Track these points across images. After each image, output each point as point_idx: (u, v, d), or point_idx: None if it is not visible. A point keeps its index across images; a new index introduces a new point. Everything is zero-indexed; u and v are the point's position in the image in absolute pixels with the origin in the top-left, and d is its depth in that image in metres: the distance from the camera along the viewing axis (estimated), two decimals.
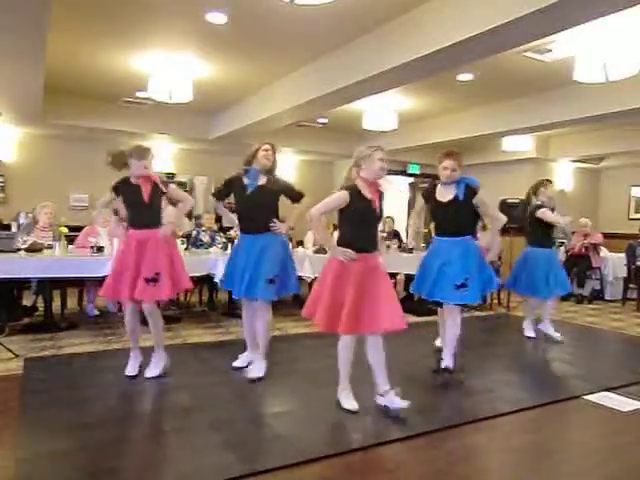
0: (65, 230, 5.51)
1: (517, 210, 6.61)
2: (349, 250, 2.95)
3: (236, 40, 4.97)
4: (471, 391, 3.63)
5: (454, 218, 3.74)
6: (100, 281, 5.13)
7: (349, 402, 3.11)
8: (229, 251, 5.80)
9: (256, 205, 3.64)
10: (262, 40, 4.97)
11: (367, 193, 3.00)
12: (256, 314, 3.69)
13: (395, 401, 3.03)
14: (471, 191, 3.67)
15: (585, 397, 3.52)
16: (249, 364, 3.81)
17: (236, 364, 3.90)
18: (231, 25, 4.56)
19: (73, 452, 2.51)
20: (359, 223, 3.02)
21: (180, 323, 5.41)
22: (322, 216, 3.05)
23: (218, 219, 6.68)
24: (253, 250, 3.60)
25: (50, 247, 5.00)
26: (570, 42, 4.59)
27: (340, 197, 2.98)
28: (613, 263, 8.02)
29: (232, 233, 6.40)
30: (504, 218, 3.86)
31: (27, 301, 5.51)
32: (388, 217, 8.16)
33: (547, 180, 5.29)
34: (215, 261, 5.34)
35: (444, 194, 3.77)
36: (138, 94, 6.94)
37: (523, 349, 4.99)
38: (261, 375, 3.63)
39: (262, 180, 3.67)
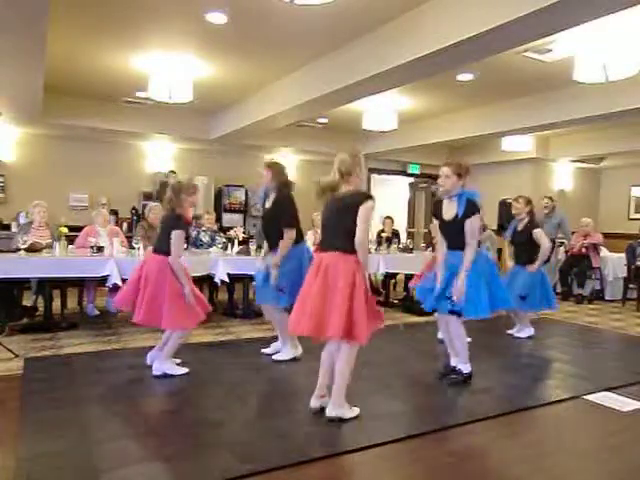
0: (65, 230, 5.49)
1: None
2: None
3: (236, 40, 4.97)
4: (471, 391, 3.63)
5: (458, 235, 3.64)
6: (100, 281, 5.17)
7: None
8: (229, 251, 5.82)
9: None
10: (262, 40, 4.97)
11: None
12: None
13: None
14: (470, 207, 3.57)
15: (585, 397, 3.52)
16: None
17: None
18: (231, 25, 4.56)
19: (73, 452, 2.51)
20: None
21: None
22: None
23: (218, 219, 6.67)
24: None
25: (49, 246, 5.00)
26: (570, 42, 4.59)
27: None
28: (613, 263, 8.01)
29: (232, 233, 6.40)
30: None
31: (27, 301, 5.51)
32: (388, 217, 8.15)
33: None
34: (215, 261, 5.34)
35: (448, 210, 3.69)
36: (138, 94, 6.93)
37: (523, 349, 4.99)
38: None
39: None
